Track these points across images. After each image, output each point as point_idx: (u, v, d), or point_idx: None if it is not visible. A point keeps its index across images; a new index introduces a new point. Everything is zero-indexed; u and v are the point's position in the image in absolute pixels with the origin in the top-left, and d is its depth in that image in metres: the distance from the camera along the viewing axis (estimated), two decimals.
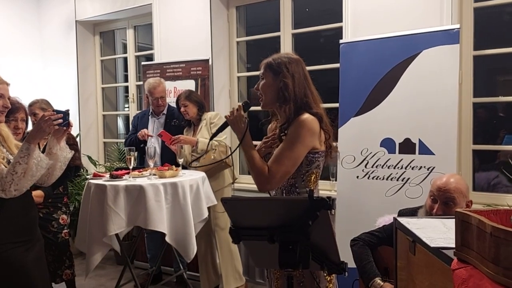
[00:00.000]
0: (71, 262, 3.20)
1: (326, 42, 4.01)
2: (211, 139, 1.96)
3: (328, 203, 1.10)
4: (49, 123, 1.85)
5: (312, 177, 1.78)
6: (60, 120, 1.89)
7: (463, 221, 1.07)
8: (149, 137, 3.71)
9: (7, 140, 1.99)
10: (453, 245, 1.13)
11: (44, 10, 5.44)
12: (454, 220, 1.13)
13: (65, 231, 3.12)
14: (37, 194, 2.89)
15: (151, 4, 4.43)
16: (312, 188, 1.78)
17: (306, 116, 1.70)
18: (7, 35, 5.16)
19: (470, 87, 2.97)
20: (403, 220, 1.48)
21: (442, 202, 1.97)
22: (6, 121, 2.04)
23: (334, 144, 1.85)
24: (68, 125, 1.94)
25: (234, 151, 1.84)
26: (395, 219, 1.53)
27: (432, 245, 1.23)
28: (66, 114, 1.92)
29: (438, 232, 1.34)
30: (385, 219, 2.36)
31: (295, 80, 1.75)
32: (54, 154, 1.97)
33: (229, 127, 1.81)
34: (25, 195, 1.93)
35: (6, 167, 1.84)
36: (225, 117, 1.80)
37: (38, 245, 2.05)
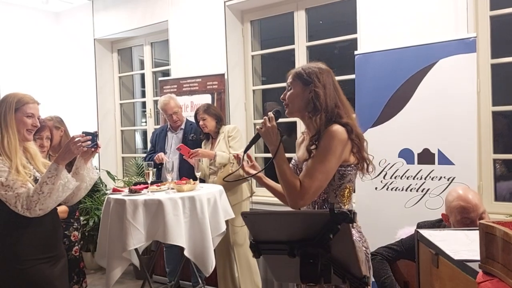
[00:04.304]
0: (79, 278, 3.09)
1: (340, 53, 4.02)
2: (244, 153, 1.83)
3: (350, 216, 1.09)
4: (78, 145, 1.89)
5: (346, 192, 1.70)
6: (89, 142, 1.93)
7: (487, 233, 1.06)
8: (168, 152, 3.76)
9: (35, 158, 2.04)
10: (478, 258, 1.11)
11: (63, 29, 5.60)
12: (477, 231, 1.11)
13: (76, 248, 3.01)
14: (62, 210, 2.89)
15: (167, 21, 4.52)
16: (345, 203, 1.71)
17: (336, 127, 1.64)
18: (27, 53, 5.32)
19: (489, 95, 2.93)
20: (425, 233, 1.46)
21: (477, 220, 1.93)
22: (33, 139, 2.09)
23: (371, 157, 1.76)
24: (96, 146, 1.98)
25: (267, 165, 1.77)
26: (417, 231, 1.51)
27: (456, 257, 1.20)
28: (94, 135, 1.96)
29: (462, 244, 1.32)
30: (406, 231, 2.33)
31: (326, 91, 1.71)
32: (81, 174, 2.01)
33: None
34: (52, 211, 1.96)
35: (33, 185, 1.87)
36: (257, 129, 1.74)
37: (62, 261, 2.08)
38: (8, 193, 1.82)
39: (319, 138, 1.66)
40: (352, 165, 1.69)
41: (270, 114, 1.71)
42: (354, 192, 1.81)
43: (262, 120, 1.73)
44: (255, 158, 4.21)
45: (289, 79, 1.78)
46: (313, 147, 1.67)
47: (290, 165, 1.78)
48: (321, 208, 1.71)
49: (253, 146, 4.12)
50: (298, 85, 1.74)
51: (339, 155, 1.63)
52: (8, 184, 1.83)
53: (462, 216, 1.96)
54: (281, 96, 1.81)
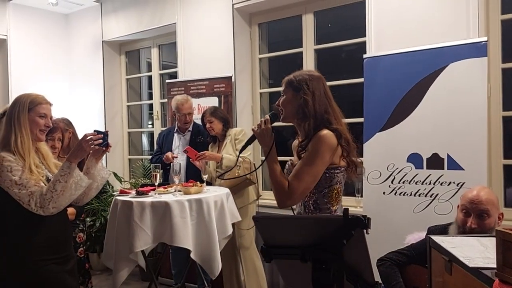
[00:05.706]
0: (85, 279, 3.10)
1: (349, 57, 4.00)
2: (240, 153, 1.95)
3: (364, 222, 1.08)
4: (90, 143, 1.91)
5: (334, 193, 1.77)
6: (100, 141, 1.94)
7: (504, 240, 1.04)
8: (174, 154, 3.74)
9: (47, 158, 2.05)
10: (493, 265, 1.09)
11: (72, 32, 5.63)
12: (490, 238, 1.09)
13: (81, 249, 3.01)
14: (70, 212, 2.89)
15: (175, 23, 4.52)
16: (334, 204, 1.77)
17: (325, 132, 1.72)
18: (37, 56, 5.35)
19: (499, 100, 2.91)
20: (438, 239, 1.44)
21: (476, 215, 1.92)
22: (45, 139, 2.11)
23: (359, 160, 1.83)
24: (107, 145, 1.99)
25: (261, 164, 1.89)
26: (429, 237, 1.49)
27: (470, 265, 1.19)
28: (105, 134, 1.97)
29: (476, 251, 1.30)
30: (415, 236, 2.31)
31: (315, 97, 1.77)
32: (92, 174, 2.02)
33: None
34: (62, 212, 1.97)
35: (45, 185, 1.88)
36: (252, 129, 1.82)
37: (72, 261, 2.09)
38: (21, 191, 1.83)
39: (308, 142, 1.74)
40: (340, 168, 1.76)
41: (266, 116, 1.81)
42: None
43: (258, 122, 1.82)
44: (261, 160, 4.20)
45: (282, 86, 1.86)
46: (302, 152, 1.75)
47: (285, 168, 1.86)
48: (310, 210, 1.79)
49: (254, 148, 4.15)
50: (289, 91, 1.82)
51: (326, 159, 1.71)
52: (22, 182, 1.84)
53: (462, 202, 2.00)
54: (276, 103, 1.89)
